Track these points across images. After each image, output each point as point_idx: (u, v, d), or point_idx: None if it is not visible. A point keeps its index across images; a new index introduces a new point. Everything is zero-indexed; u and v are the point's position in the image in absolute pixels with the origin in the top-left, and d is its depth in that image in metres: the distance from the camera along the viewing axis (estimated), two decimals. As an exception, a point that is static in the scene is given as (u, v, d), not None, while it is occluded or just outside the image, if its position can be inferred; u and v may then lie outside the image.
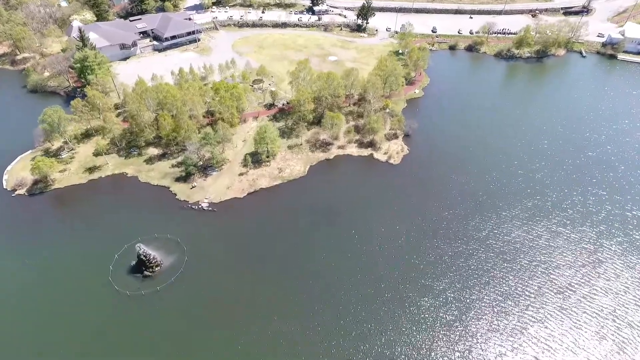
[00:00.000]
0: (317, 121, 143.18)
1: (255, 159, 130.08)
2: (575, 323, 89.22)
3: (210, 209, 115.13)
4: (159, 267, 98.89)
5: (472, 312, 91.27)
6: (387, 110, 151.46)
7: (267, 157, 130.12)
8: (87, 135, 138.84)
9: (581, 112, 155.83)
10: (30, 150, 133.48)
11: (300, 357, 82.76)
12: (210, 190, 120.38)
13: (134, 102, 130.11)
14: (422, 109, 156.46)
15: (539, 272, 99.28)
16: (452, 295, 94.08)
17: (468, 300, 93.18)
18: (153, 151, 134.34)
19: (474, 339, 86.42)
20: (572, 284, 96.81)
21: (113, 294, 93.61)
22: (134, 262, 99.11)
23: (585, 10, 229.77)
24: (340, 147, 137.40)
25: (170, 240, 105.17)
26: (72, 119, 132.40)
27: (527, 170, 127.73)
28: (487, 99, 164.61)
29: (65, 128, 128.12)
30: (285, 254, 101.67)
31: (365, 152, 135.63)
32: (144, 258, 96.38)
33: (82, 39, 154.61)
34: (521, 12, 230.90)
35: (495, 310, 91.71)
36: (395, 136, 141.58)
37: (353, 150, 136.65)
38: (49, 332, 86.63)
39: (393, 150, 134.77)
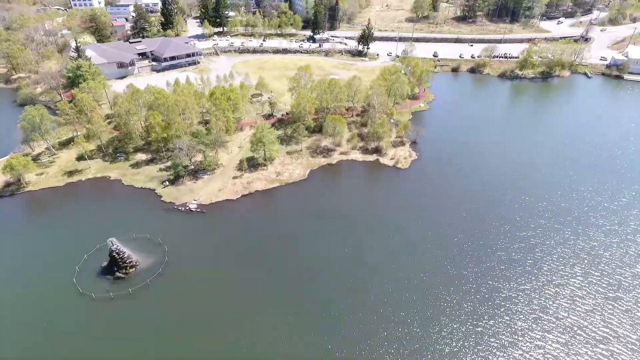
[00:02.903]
0: (319, 129, 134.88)
1: (252, 163, 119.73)
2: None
3: (198, 210, 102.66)
4: (134, 269, 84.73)
5: (489, 323, 75.98)
6: (392, 120, 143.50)
7: (264, 160, 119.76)
8: (71, 141, 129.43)
9: (592, 122, 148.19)
10: (7, 156, 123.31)
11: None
12: (200, 193, 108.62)
13: (124, 103, 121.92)
14: (429, 120, 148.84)
15: (543, 271, 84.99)
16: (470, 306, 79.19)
17: (485, 314, 78.23)
18: (141, 157, 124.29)
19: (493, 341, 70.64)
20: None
21: (75, 297, 78.80)
22: (105, 263, 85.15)
23: (584, 39, 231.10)
24: (343, 153, 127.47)
25: (151, 241, 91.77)
26: (56, 120, 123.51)
27: (541, 178, 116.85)
28: (495, 112, 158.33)
29: (47, 128, 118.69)
30: (276, 258, 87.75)
31: (371, 157, 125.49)
32: (116, 256, 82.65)
33: (77, 50, 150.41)
34: (520, 40, 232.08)
35: (505, 320, 76.43)
36: (402, 143, 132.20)
37: (357, 155, 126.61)
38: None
39: (400, 156, 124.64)
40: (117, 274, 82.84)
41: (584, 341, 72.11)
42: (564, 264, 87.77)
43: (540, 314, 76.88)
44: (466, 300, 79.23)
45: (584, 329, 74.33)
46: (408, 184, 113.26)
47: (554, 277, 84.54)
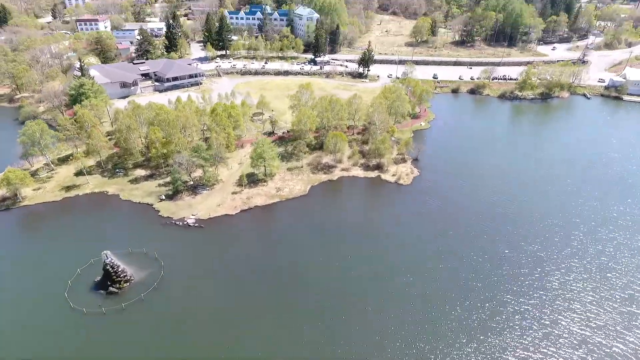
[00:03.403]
0: (319, 146, 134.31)
1: (252, 179, 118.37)
2: None
3: (196, 225, 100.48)
4: (128, 283, 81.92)
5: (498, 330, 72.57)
6: (393, 138, 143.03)
7: (265, 176, 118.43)
8: (70, 157, 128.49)
9: (593, 139, 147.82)
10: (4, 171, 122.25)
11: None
12: (198, 208, 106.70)
13: (125, 119, 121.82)
14: (430, 138, 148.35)
15: (553, 286, 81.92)
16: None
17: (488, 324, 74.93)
18: (140, 172, 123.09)
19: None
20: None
21: (66, 312, 75.67)
22: (99, 277, 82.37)
23: (581, 62, 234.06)
24: (344, 170, 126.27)
25: (146, 256, 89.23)
26: (56, 135, 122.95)
27: (540, 192, 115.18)
28: (497, 129, 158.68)
29: (46, 143, 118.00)
30: (275, 274, 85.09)
31: (372, 174, 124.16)
32: (110, 269, 80.00)
33: (81, 69, 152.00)
34: (518, 63, 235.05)
35: (515, 326, 73.04)
36: (403, 160, 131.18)
37: (358, 172, 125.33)
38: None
39: (402, 172, 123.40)
40: (111, 288, 79.98)
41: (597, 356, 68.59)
42: (574, 278, 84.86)
43: (551, 329, 73.48)
44: (473, 313, 75.96)
45: (598, 344, 70.83)
46: (410, 200, 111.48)
47: (563, 292, 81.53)
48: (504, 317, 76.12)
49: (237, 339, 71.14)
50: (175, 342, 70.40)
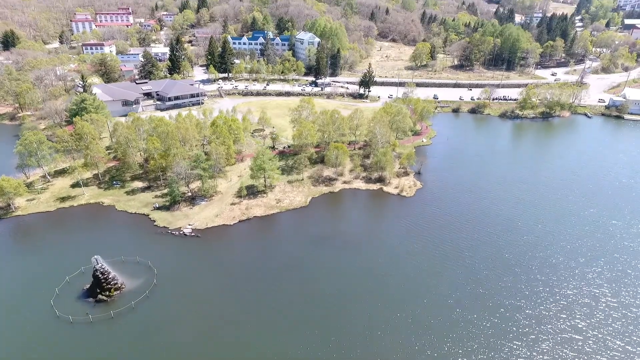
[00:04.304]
0: (320, 160, 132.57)
1: (251, 191, 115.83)
2: None
3: (193, 234, 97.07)
4: (118, 291, 77.80)
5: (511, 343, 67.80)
6: (395, 153, 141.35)
7: (265, 187, 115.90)
8: (67, 169, 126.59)
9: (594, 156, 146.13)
10: None
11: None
12: (195, 218, 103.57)
13: (124, 130, 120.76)
14: (432, 154, 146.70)
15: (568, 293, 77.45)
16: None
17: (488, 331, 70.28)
18: (137, 184, 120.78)
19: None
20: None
21: (52, 320, 71.28)
22: (88, 285, 78.36)
23: (580, 84, 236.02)
24: (345, 182, 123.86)
25: (139, 264, 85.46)
26: (54, 146, 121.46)
27: (549, 204, 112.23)
28: (498, 146, 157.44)
29: (43, 154, 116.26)
30: (272, 284, 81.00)
31: (374, 186, 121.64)
32: (100, 275, 76.14)
33: (83, 79, 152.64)
34: (517, 85, 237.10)
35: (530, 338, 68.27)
36: (406, 173, 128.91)
37: (360, 184, 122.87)
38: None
39: (405, 185, 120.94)
40: (100, 296, 75.83)
41: None
42: (588, 284, 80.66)
43: (568, 334, 68.74)
44: (484, 319, 71.38)
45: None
46: (414, 211, 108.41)
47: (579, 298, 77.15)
48: (510, 323, 71.49)
49: (229, 349, 66.40)
50: (166, 352, 65.73)
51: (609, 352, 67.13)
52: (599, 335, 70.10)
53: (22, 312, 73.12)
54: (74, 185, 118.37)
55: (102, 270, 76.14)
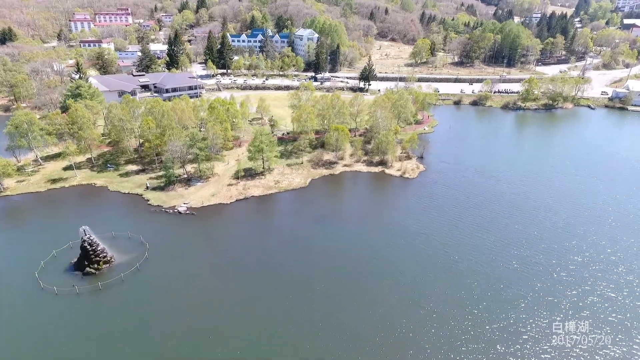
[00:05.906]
0: (321, 145, 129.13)
1: (249, 173, 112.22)
2: None
3: (188, 212, 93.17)
4: (108, 265, 73.71)
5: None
6: (396, 139, 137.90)
7: (263, 169, 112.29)
8: (60, 155, 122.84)
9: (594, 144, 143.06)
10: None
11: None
12: (191, 198, 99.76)
13: (117, 109, 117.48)
14: (434, 141, 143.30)
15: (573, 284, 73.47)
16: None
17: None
18: (132, 167, 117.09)
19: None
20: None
21: (35, 292, 67.13)
22: (76, 259, 74.26)
23: (582, 78, 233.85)
24: (346, 165, 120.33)
25: (131, 239, 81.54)
26: (45, 128, 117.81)
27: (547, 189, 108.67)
28: (500, 134, 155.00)
29: (35, 135, 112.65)
30: (266, 262, 76.54)
31: (376, 169, 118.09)
32: (88, 247, 72.13)
33: (78, 66, 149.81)
34: (518, 80, 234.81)
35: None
36: (408, 157, 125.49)
37: (361, 167, 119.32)
38: None
39: (407, 167, 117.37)
40: (88, 269, 71.75)
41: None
42: (594, 267, 76.78)
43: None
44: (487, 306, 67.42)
45: None
46: (418, 191, 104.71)
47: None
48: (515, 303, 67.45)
49: (220, 322, 62.21)
50: (154, 323, 61.57)
51: None
52: None
53: (3, 284, 68.95)
54: (66, 168, 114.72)
55: (90, 241, 72.18)
